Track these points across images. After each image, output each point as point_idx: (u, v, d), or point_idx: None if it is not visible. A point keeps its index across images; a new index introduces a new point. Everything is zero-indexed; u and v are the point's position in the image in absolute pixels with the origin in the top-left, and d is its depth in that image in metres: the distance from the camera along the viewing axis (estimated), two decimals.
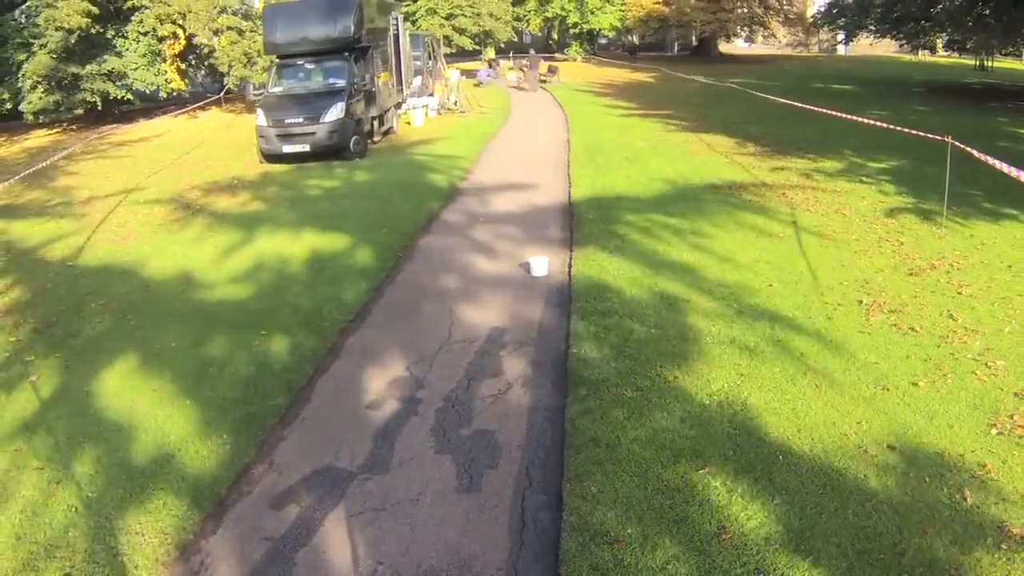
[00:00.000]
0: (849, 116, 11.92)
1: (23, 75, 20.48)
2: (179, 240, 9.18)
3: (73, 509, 3.84)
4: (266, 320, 6.25)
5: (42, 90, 21.07)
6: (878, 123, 11.03)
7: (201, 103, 23.94)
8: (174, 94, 24.46)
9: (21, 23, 21.01)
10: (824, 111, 12.74)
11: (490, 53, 40.05)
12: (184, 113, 22.79)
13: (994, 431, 4.02)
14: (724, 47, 43.74)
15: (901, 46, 26.13)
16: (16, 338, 6.32)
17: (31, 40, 20.41)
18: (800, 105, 14.19)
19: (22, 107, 21.50)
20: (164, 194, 11.90)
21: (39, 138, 20.50)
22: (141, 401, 4.96)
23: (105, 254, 8.78)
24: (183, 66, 23.25)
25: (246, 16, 22.36)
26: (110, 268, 8.17)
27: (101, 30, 21.81)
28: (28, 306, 7.11)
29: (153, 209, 10.93)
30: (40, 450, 4.43)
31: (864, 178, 10.43)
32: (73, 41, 20.77)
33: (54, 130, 22.16)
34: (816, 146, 12.95)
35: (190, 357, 5.62)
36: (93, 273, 8.06)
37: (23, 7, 21.40)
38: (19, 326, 6.59)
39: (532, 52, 33.58)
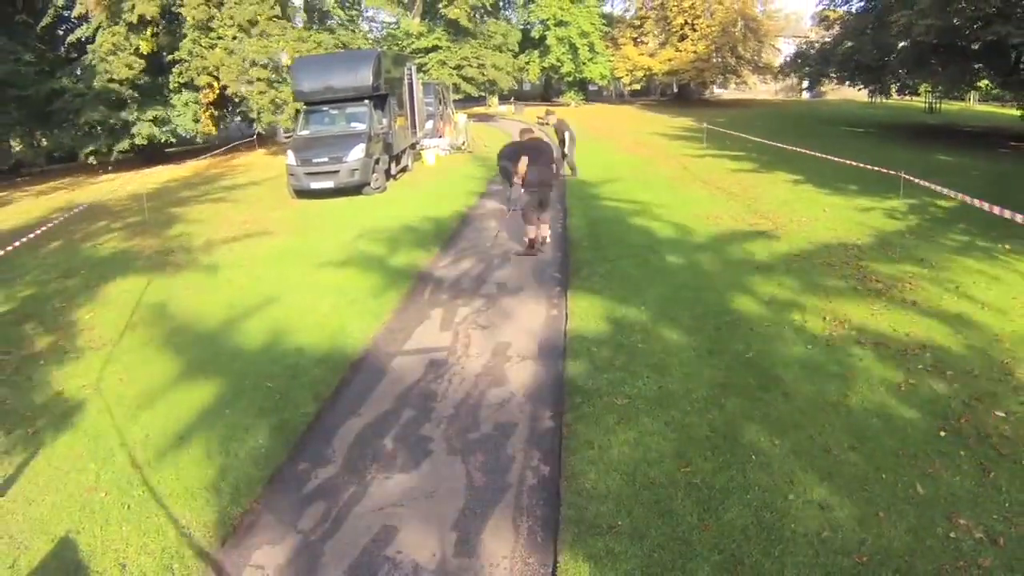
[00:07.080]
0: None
1: (80, 122, 20.89)
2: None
3: (126, 507, 3.91)
4: None
5: (97, 135, 21.49)
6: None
7: (234, 144, 24.20)
8: (207, 138, 24.96)
9: (78, 76, 21.45)
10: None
11: (493, 101, 40.18)
12: (222, 154, 23.06)
13: (942, 433, 4.09)
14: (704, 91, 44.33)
15: (858, 90, 26.53)
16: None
17: (87, 91, 20.81)
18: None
19: (80, 151, 21.92)
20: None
21: (108, 180, 19.94)
22: None
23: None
24: (217, 113, 23.72)
25: (274, 68, 22.75)
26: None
27: (149, 81, 22.30)
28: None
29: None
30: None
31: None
32: (124, 91, 21.22)
33: (97, 173, 22.31)
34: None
35: None
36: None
37: (80, 60, 21.87)
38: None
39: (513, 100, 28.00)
